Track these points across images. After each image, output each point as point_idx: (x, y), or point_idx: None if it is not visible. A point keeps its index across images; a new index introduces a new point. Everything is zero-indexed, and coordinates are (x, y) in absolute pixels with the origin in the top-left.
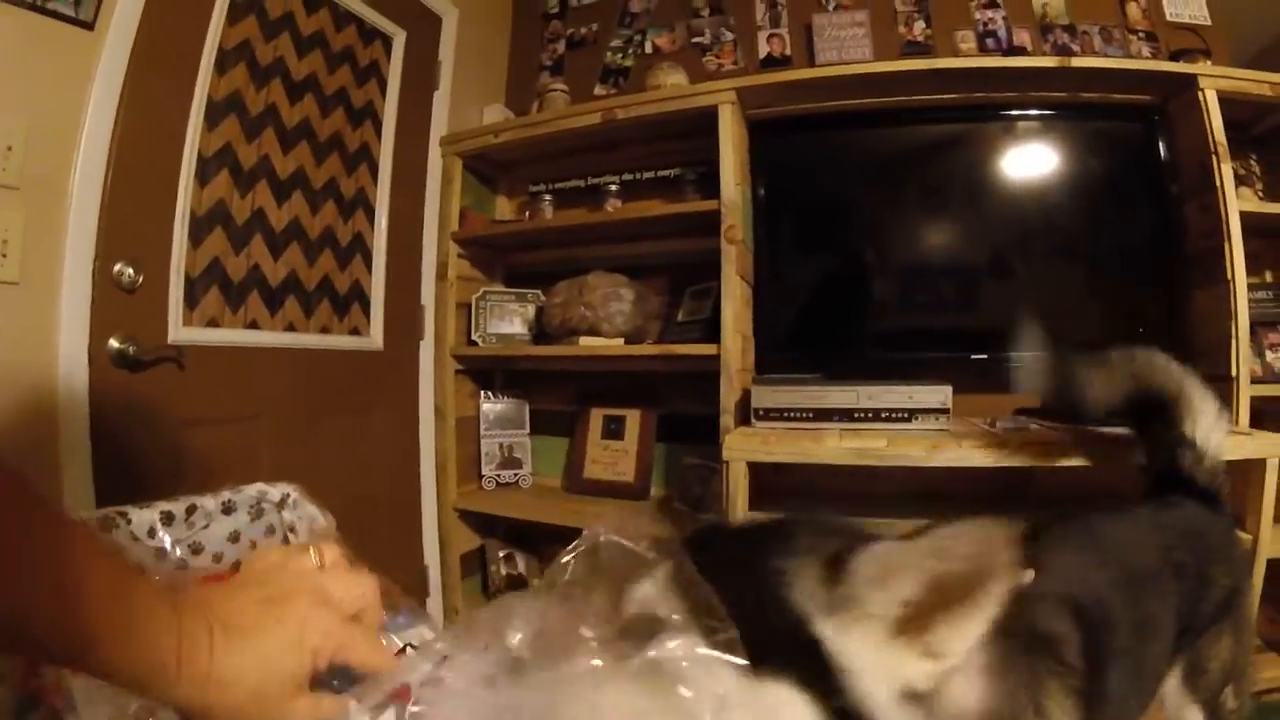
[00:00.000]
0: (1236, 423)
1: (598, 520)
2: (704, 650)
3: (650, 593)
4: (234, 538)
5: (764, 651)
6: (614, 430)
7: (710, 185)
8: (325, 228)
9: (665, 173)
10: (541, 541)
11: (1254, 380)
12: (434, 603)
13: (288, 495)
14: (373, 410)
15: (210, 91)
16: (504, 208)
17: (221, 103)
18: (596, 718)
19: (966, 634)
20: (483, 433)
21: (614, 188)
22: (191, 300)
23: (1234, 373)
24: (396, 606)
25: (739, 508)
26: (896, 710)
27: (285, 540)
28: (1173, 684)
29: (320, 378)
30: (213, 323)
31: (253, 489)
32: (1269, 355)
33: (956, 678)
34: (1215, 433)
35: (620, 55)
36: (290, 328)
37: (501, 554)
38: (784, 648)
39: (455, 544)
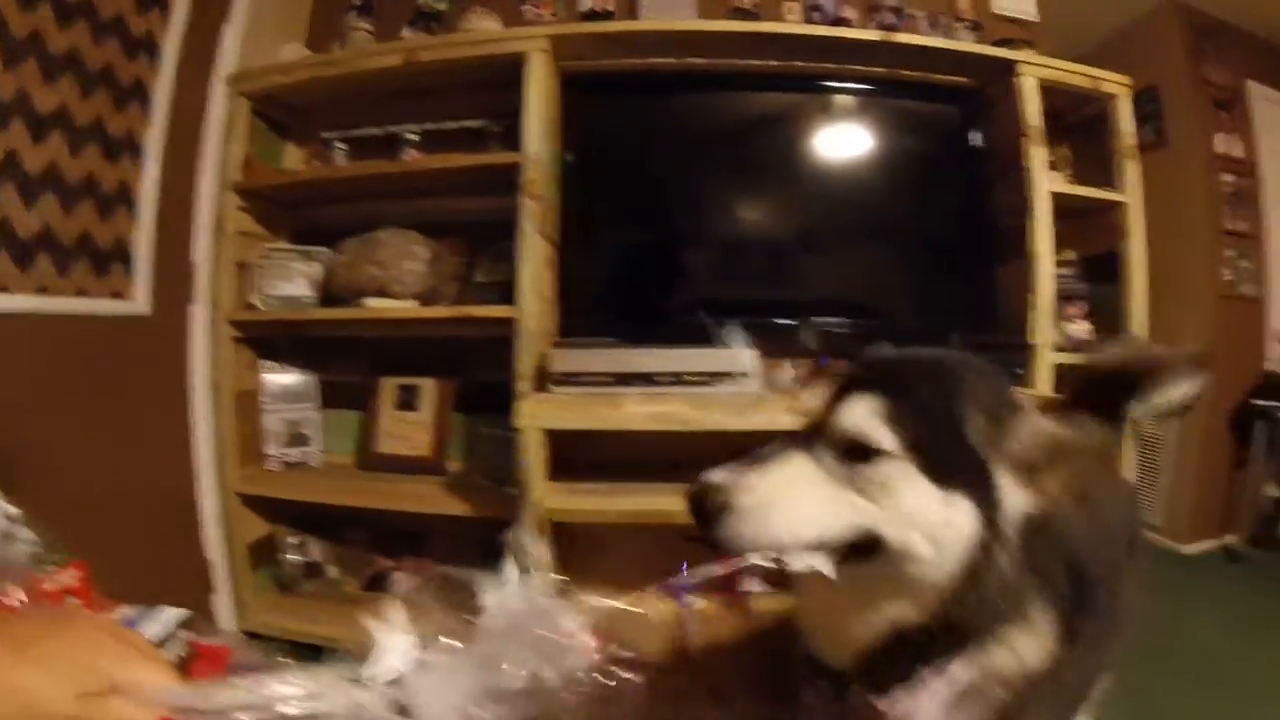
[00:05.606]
0: (1037, 387)
1: None
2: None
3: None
4: None
5: (951, 474)
6: (408, 401)
7: (517, 139)
8: (87, 174)
9: (469, 124)
10: (336, 525)
11: (1057, 349)
12: (222, 599)
13: None
14: (138, 385)
15: None
16: (294, 157)
17: None
18: None
19: (1059, 487)
20: (265, 408)
21: (413, 138)
22: None
23: (1033, 340)
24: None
25: (537, 478)
26: (1015, 522)
27: None
28: None
29: (76, 348)
30: None
31: None
32: (1067, 326)
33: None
34: None
35: None
36: (43, 290)
37: (293, 541)
38: (967, 471)
39: (240, 533)
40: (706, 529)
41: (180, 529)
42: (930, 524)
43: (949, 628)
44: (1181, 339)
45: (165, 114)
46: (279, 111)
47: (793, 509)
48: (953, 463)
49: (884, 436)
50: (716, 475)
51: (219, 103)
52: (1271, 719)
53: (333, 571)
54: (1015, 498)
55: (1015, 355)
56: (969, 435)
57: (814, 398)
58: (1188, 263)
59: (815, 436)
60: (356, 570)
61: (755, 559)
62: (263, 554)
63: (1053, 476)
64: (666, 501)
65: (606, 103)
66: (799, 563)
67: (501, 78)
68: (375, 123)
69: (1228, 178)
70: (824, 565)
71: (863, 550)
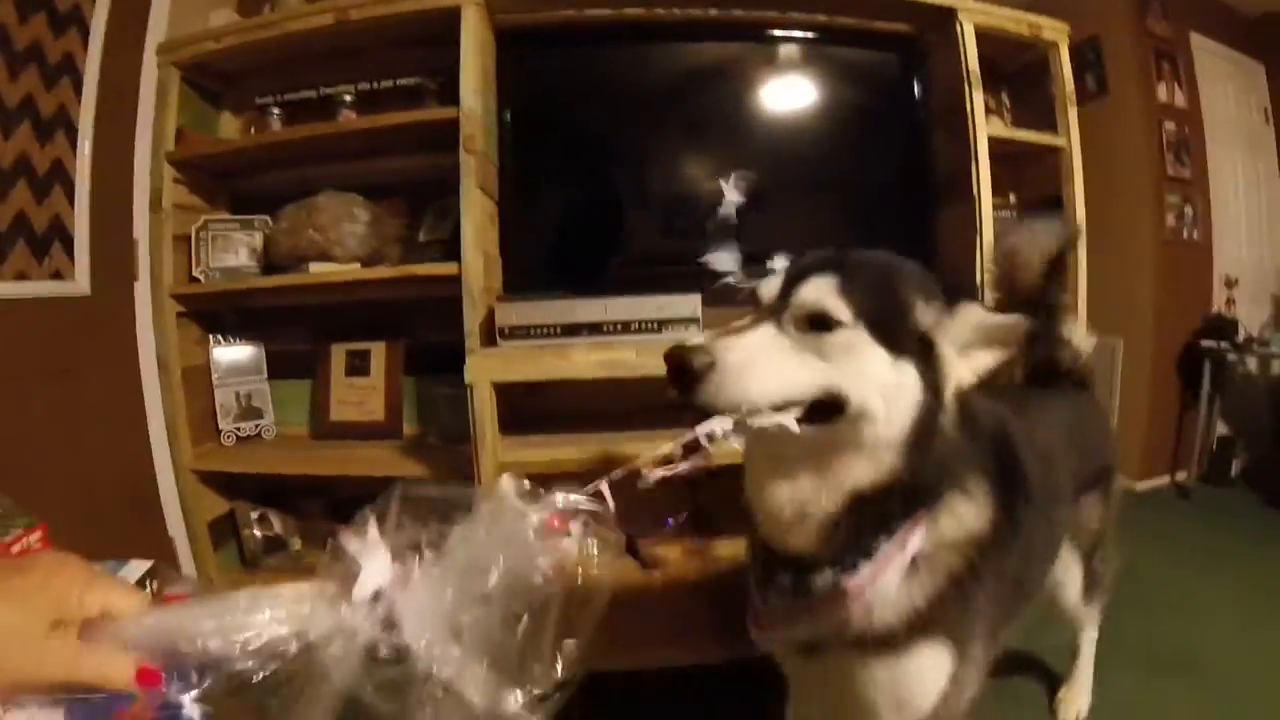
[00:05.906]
0: None
1: None
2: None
3: None
4: None
5: (899, 345)
6: (359, 366)
7: (453, 95)
8: (20, 154)
9: (404, 82)
10: (295, 496)
11: None
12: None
13: None
14: (85, 368)
15: None
16: (229, 126)
17: None
18: None
19: (988, 364)
20: (215, 382)
21: (348, 98)
22: None
23: (978, 282)
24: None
25: (488, 434)
26: (953, 391)
27: None
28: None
29: (18, 334)
30: None
31: None
32: None
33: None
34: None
35: None
36: None
37: (254, 516)
38: (912, 345)
39: (199, 511)
40: (690, 387)
41: (141, 511)
42: (884, 385)
43: (903, 487)
44: (1124, 281)
45: (96, 89)
46: (211, 80)
47: (766, 369)
48: (900, 335)
49: (841, 309)
50: (697, 338)
51: (150, 74)
52: (1218, 645)
53: (295, 544)
54: (953, 371)
55: (957, 296)
56: (912, 313)
57: (770, 284)
58: (1131, 208)
59: (778, 313)
60: (318, 541)
61: (720, 423)
62: (224, 531)
63: (985, 356)
64: (618, 449)
65: (542, 56)
66: (768, 420)
67: (436, 33)
68: (310, 86)
69: (1170, 126)
70: (790, 422)
71: (824, 412)
